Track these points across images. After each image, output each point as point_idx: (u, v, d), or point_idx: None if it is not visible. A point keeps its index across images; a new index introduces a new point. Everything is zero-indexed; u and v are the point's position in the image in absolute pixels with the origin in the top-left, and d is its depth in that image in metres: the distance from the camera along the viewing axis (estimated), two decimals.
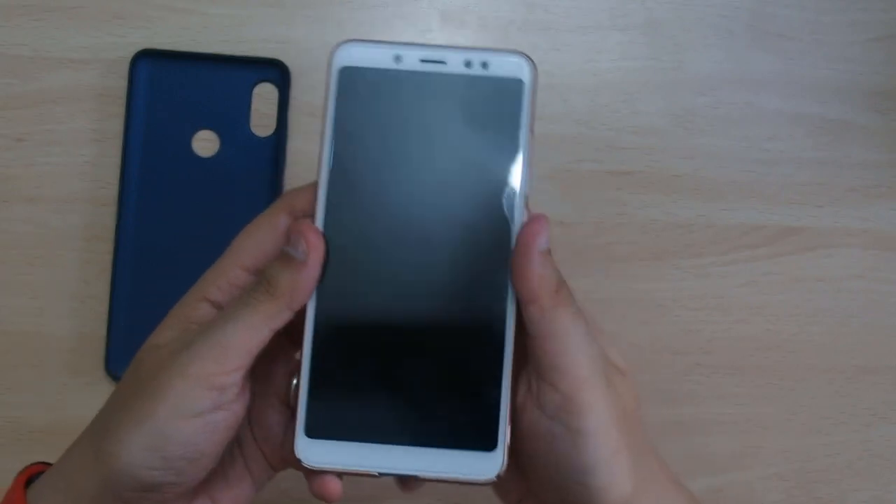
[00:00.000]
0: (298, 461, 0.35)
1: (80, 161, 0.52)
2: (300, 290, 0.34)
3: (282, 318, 0.34)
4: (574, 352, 0.33)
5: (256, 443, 0.38)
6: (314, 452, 0.35)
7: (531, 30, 0.53)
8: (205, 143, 0.52)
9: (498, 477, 0.34)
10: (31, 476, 0.38)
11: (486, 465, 0.34)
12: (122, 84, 0.52)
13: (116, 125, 0.52)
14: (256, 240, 0.36)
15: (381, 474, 0.35)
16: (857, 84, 0.54)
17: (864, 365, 0.53)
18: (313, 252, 0.34)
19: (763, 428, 0.52)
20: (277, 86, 0.52)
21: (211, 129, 0.52)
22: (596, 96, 0.53)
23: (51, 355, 0.51)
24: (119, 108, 0.52)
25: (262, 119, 0.52)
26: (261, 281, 0.34)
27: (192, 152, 0.51)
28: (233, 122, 0.52)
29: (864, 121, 0.54)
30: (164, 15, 0.52)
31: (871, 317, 0.53)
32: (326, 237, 0.35)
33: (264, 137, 0.52)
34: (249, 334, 0.33)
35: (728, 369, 0.52)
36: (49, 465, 0.39)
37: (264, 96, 0.52)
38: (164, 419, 0.33)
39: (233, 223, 0.51)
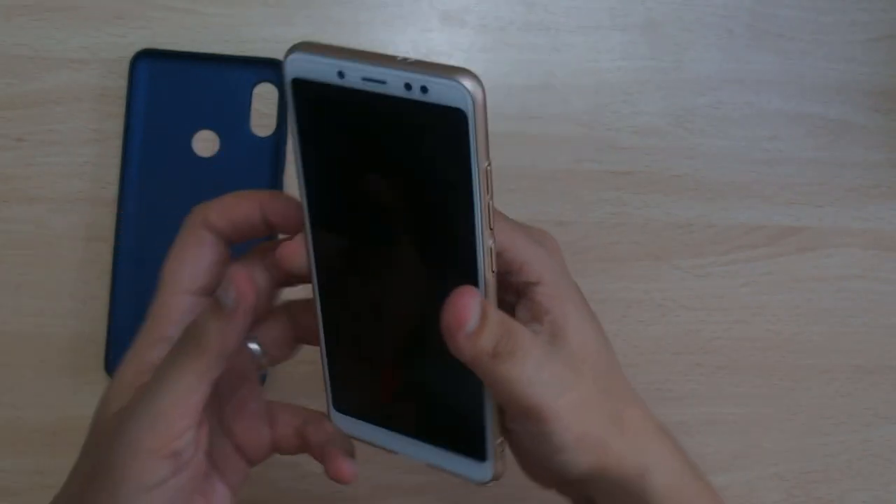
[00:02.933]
0: (331, 422, 0.38)
1: (80, 161, 0.52)
2: (229, 339, 0.33)
3: (216, 370, 0.33)
4: (520, 390, 0.34)
5: (237, 449, 0.38)
6: (344, 423, 0.38)
7: (531, 30, 0.53)
8: (205, 143, 0.52)
9: (493, 480, 0.37)
10: None
11: (479, 471, 0.37)
12: (122, 84, 0.52)
13: (116, 125, 0.52)
14: (188, 262, 0.36)
15: (398, 453, 0.38)
16: (857, 84, 0.54)
17: (864, 365, 0.53)
18: (242, 300, 0.33)
19: (763, 428, 0.52)
20: (277, 86, 0.52)
21: (211, 129, 0.52)
22: (596, 96, 0.53)
23: (51, 355, 0.51)
24: (119, 108, 0.52)
25: (262, 119, 0.52)
26: (189, 334, 0.34)
27: (192, 152, 0.51)
28: (233, 122, 0.52)
29: (864, 121, 0.54)
30: (164, 15, 0.52)
31: (871, 317, 0.53)
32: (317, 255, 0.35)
33: (264, 137, 0.52)
34: (187, 396, 0.33)
35: (728, 369, 0.52)
36: None
37: (264, 96, 0.52)
38: (130, 497, 0.33)
39: None
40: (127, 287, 0.51)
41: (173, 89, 0.52)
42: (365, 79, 0.32)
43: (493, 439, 0.36)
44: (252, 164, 0.51)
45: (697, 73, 0.54)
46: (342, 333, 0.37)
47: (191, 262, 0.36)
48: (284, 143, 0.51)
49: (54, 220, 0.51)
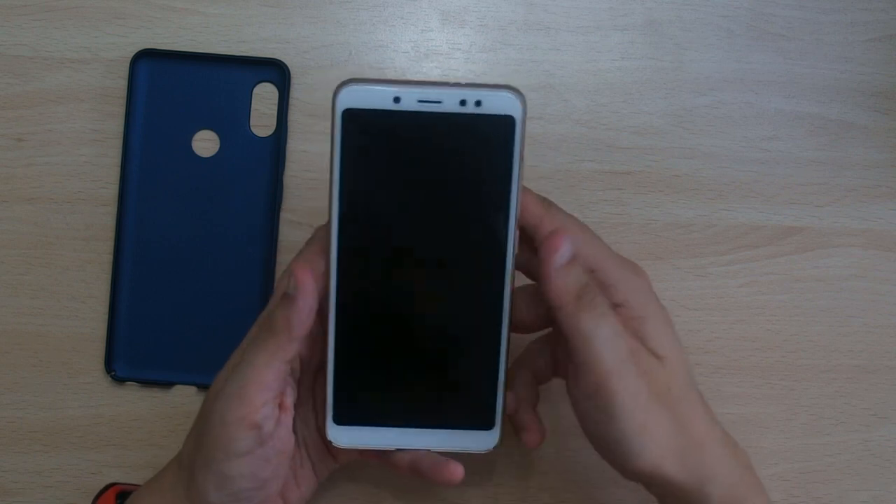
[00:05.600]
0: (329, 442, 0.42)
1: (80, 161, 0.52)
2: (295, 322, 0.38)
3: (288, 350, 0.38)
4: (599, 349, 0.38)
5: (326, 445, 0.43)
6: (342, 436, 0.41)
7: (531, 30, 0.53)
8: (205, 143, 0.52)
9: (495, 448, 0.41)
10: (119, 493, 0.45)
11: (486, 440, 0.41)
12: (122, 84, 0.52)
13: (116, 125, 0.52)
14: None
15: (398, 449, 0.42)
16: (857, 84, 0.54)
17: (864, 365, 0.53)
18: (301, 287, 0.38)
19: (763, 428, 0.52)
20: (277, 86, 0.52)
21: (211, 129, 0.52)
22: (596, 96, 0.53)
23: (51, 355, 0.51)
24: (119, 108, 0.52)
25: (262, 119, 0.52)
26: (263, 321, 0.39)
27: (192, 152, 0.51)
28: (233, 122, 0.52)
29: (864, 121, 0.54)
30: (164, 15, 0.52)
31: (871, 317, 0.53)
32: (339, 257, 0.39)
33: (264, 137, 0.52)
34: (263, 372, 0.38)
35: (728, 369, 0.52)
36: (122, 485, 0.46)
37: (264, 96, 0.52)
38: (221, 462, 0.38)
39: (232, 223, 0.51)
40: (127, 287, 0.51)
41: (173, 89, 0.52)
42: (421, 101, 0.37)
43: (501, 405, 0.41)
44: (252, 164, 0.51)
45: (697, 73, 0.54)
46: (358, 339, 0.40)
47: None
48: (284, 143, 0.51)
49: (54, 220, 0.51)
